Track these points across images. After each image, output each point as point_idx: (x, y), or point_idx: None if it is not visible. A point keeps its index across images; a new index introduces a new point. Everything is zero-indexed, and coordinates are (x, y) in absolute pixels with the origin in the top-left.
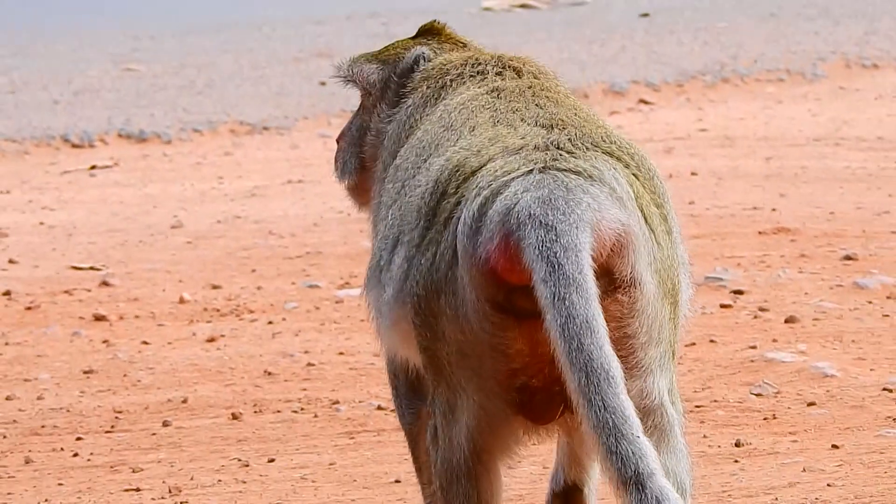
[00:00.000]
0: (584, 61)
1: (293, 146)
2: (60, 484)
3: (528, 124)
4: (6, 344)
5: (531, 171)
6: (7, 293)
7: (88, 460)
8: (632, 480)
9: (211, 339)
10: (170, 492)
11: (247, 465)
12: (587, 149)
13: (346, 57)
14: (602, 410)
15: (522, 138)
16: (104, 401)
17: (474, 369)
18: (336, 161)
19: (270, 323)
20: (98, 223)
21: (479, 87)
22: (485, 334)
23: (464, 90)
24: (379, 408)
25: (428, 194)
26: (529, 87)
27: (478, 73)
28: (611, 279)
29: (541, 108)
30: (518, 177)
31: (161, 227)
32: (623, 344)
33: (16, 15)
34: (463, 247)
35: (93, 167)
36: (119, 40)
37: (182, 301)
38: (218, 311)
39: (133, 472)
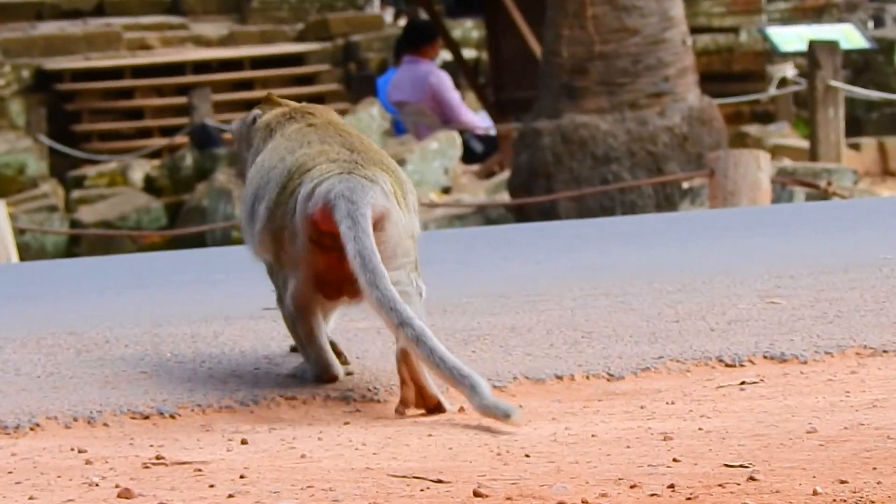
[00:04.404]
0: None
1: None
2: None
3: (339, 146)
4: None
5: (342, 172)
6: (671, 486)
7: None
8: (403, 323)
9: None
10: None
11: None
12: (372, 165)
13: None
14: (384, 290)
15: (338, 154)
16: None
17: (296, 264)
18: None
19: None
20: (746, 429)
21: (299, 124)
22: (304, 253)
23: (290, 126)
24: None
25: (283, 176)
26: (329, 123)
27: (291, 118)
28: (378, 232)
29: (342, 137)
30: (335, 175)
31: (798, 433)
32: (384, 260)
33: (676, 260)
34: (299, 208)
35: (742, 383)
36: (764, 279)
37: (815, 493)
38: (844, 501)
39: None
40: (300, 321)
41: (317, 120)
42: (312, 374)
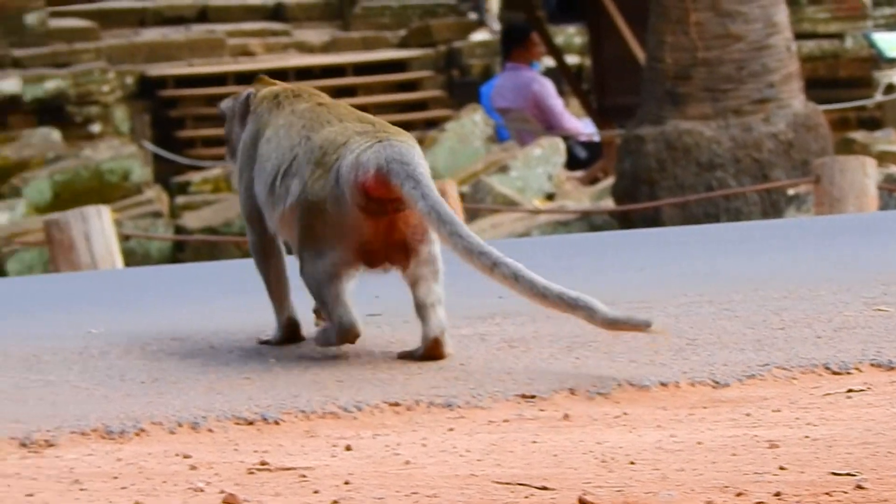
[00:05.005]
0: None
1: None
2: None
3: (357, 121)
4: None
5: (380, 141)
6: (777, 494)
7: None
8: (496, 264)
9: None
10: None
11: None
12: (396, 133)
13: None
14: (467, 238)
15: (362, 128)
16: None
17: (340, 235)
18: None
19: None
20: (853, 437)
21: (308, 103)
22: (351, 220)
23: (299, 103)
24: None
25: (316, 153)
26: (336, 103)
27: (298, 96)
28: None
29: (353, 113)
30: (374, 144)
31: None
32: None
33: (781, 267)
34: (345, 178)
35: (849, 391)
36: (871, 286)
37: None
38: None
39: None
40: (330, 285)
41: (325, 100)
42: (336, 334)
